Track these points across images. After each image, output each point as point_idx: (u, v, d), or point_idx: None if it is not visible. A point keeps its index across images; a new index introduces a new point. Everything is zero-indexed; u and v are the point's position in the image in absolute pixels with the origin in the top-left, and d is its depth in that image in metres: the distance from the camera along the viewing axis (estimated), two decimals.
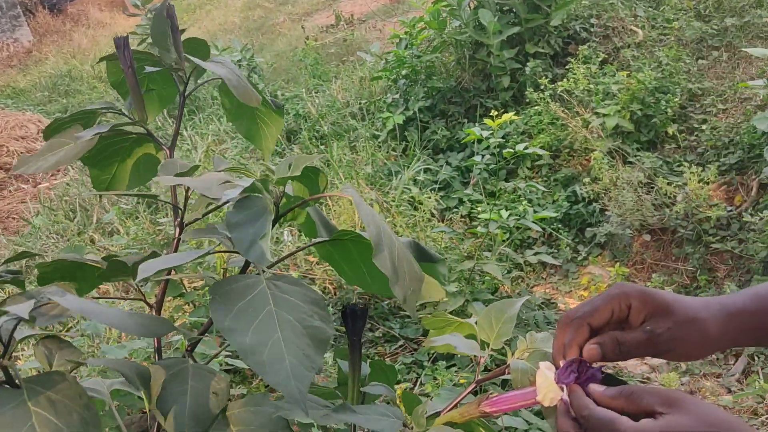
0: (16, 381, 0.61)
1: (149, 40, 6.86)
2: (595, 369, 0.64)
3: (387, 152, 4.23)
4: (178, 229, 1.00)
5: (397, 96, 4.63)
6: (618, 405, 0.61)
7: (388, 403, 1.28)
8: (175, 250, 1.01)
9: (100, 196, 4.00)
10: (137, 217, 3.58)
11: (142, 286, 0.97)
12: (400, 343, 2.83)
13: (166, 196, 1.03)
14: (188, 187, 0.99)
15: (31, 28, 12.68)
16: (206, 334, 1.15)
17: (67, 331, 2.51)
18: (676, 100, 3.66)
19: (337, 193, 0.78)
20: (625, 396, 0.60)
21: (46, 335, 0.85)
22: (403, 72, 4.65)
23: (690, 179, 3.15)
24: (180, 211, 0.99)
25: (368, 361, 0.91)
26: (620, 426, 0.58)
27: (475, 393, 0.91)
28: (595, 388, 0.63)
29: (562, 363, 0.66)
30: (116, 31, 11.93)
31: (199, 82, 1.06)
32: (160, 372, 0.78)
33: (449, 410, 0.84)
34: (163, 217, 3.23)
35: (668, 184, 3.27)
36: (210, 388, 0.78)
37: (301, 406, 0.59)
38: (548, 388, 0.65)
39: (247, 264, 0.86)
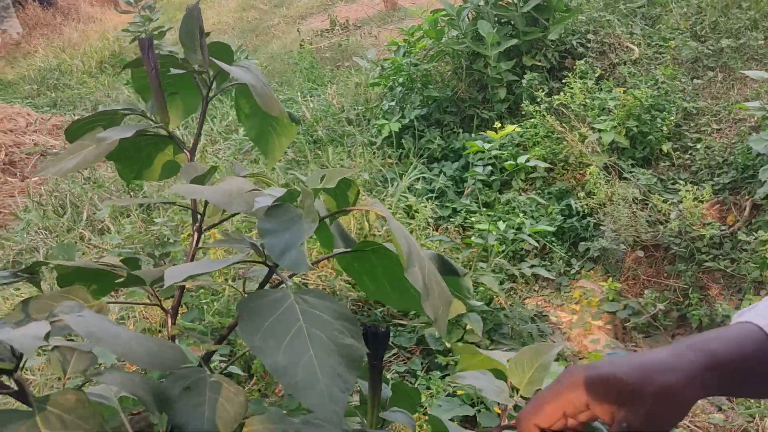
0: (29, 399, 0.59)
1: (141, 36, 6.81)
2: None
3: (383, 159, 4.22)
4: (196, 235, 0.98)
5: (393, 103, 4.62)
6: None
7: None
8: (192, 256, 0.99)
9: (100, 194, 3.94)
10: (129, 216, 3.54)
11: (158, 290, 0.95)
12: (394, 351, 2.81)
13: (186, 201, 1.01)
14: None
15: (21, 20, 12.55)
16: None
17: None
18: (672, 118, 3.69)
19: (367, 207, 0.77)
20: None
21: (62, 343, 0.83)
22: (400, 80, 4.65)
23: (685, 197, 3.17)
24: (199, 216, 0.97)
25: (390, 383, 0.89)
26: None
27: None
28: None
29: None
30: (107, 26, 11.83)
31: (221, 86, 1.05)
32: (177, 385, 0.76)
33: None
34: (158, 217, 3.19)
35: (663, 201, 3.29)
36: (228, 401, 0.76)
37: (337, 427, 0.57)
38: None
39: (268, 276, 0.84)
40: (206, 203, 1.01)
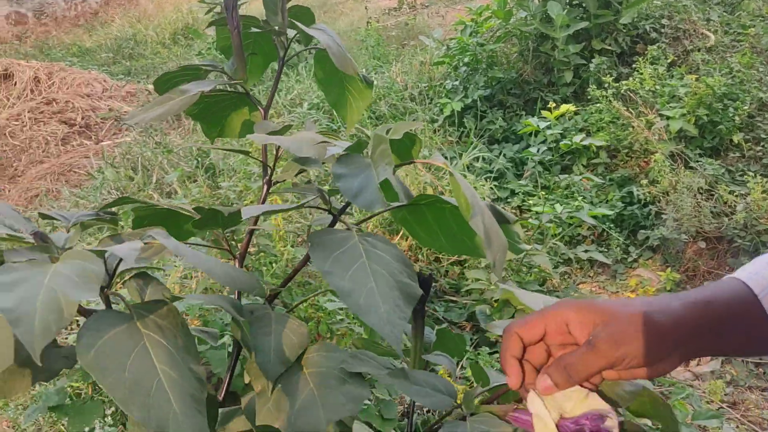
0: (124, 307, 0.65)
1: (217, 9, 6.99)
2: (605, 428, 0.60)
3: (444, 137, 4.23)
4: (266, 187, 1.04)
5: (456, 83, 4.62)
6: None
7: (450, 375, 1.31)
8: (257, 219, 1.05)
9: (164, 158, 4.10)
10: (195, 180, 3.68)
11: (228, 236, 1.01)
12: (444, 326, 2.85)
13: (258, 155, 1.07)
14: (278, 148, 1.03)
15: None
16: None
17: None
18: (745, 108, 3.57)
19: (430, 160, 0.81)
20: None
21: (138, 273, 0.91)
22: (465, 59, 4.63)
23: (754, 189, 3.08)
24: (269, 169, 1.03)
25: (435, 329, 0.93)
26: None
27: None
28: None
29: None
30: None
31: (298, 49, 1.10)
32: (247, 316, 0.82)
33: (495, 398, 0.85)
34: (224, 181, 3.31)
35: (729, 192, 3.20)
36: (292, 332, 0.82)
37: (397, 348, 0.62)
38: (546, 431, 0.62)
39: (333, 224, 0.89)
40: (276, 158, 1.07)
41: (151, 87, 6.78)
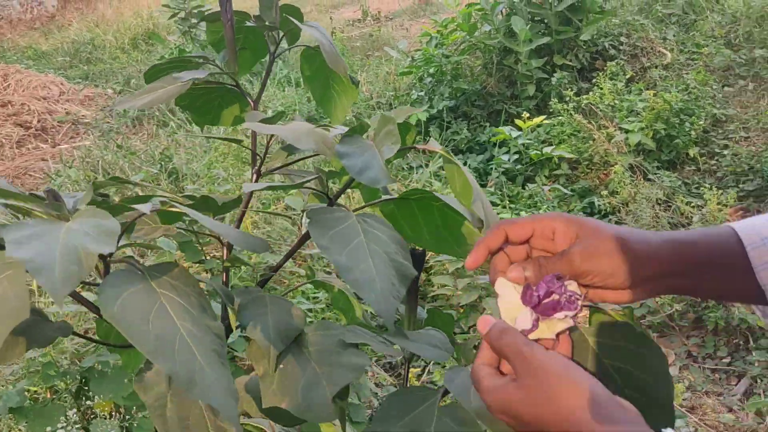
0: (137, 267, 0.64)
1: (180, 15, 6.92)
2: (566, 297, 0.60)
3: None
4: (255, 176, 1.03)
5: (422, 93, 4.67)
6: (496, 357, 0.60)
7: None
8: (250, 197, 1.04)
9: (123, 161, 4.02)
10: (159, 184, 3.62)
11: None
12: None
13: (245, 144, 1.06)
14: (269, 138, 1.03)
15: None
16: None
17: None
18: (701, 123, 3.71)
19: (427, 146, 0.82)
20: (507, 353, 0.58)
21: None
22: (430, 70, 4.69)
23: (710, 200, 3.19)
24: (259, 158, 1.03)
25: (426, 308, 0.95)
26: (481, 386, 0.58)
27: None
28: (492, 332, 0.60)
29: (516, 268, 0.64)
30: (141, 4, 11.97)
31: (288, 46, 1.10)
32: (243, 297, 0.82)
33: None
34: (189, 184, 3.27)
35: (686, 203, 3.31)
36: (287, 313, 0.82)
37: (389, 325, 0.63)
38: (512, 309, 0.62)
39: (330, 205, 0.90)
40: (267, 148, 1.07)
41: (110, 91, 6.66)
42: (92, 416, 1.76)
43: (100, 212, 0.56)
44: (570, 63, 4.56)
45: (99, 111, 5.96)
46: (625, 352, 0.64)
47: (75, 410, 1.82)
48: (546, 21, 4.59)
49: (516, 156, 3.63)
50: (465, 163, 4.15)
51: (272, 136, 0.98)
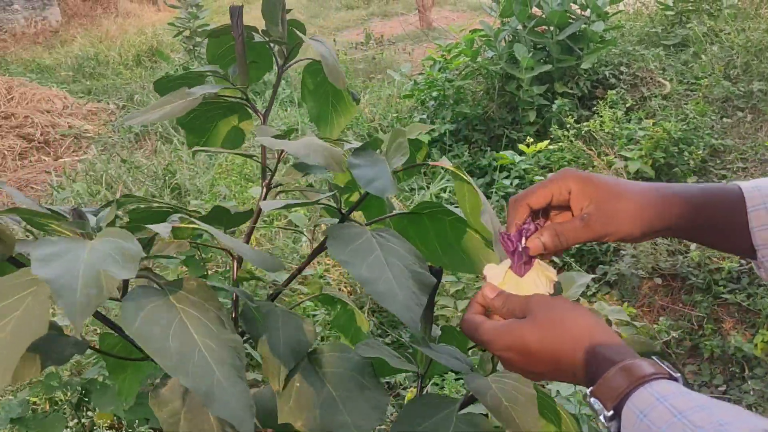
0: (156, 281, 0.66)
1: (185, 33, 7.00)
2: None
3: None
4: (265, 189, 1.05)
5: (424, 116, 4.72)
6: (495, 306, 0.67)
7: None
8: (259, 212, 1.06)
9: (127, 175, 4.04)
10: (162, 199, 3.64)
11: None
12: (409, 350, 2.86)
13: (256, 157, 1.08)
14: (280, 153, 1.05)
15: (61, 9, 12.84)
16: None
17: None
18: (699, 152, 3.75)
19: (439, 162, 0.84)
20: (500, 299, 0.66)
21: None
22: (433, 94, 4.74)
23: None
24: (269, 172, 1.05)
25: (440, 325, 0.96)
26: (483, 327, 0.64)
27: None
28: (485, 292, 0.67)
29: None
30: (145, 22, 12.09)
31: (294, 60, 1.13)
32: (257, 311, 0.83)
33: None
34: (193, 200, 3.28)
35: None
36: (299, 328, 0.83)
37: (414, 331, 0.64)
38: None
39: (341, 221, 0.92)
40: (278, 162, 1.09)
41: (113, 106, 6.70)
42: (93, 427, 1.76)
43: (122, 233, 0.57)
44: (571, 91, 4.61)
45: (102, 125, 6.00)
46: None
47: (76, 421, 1.82)
48: (548, 49, 4.66)
49: (516, 180, 3.66)
50: None
51: (282, 151, 1.01)
